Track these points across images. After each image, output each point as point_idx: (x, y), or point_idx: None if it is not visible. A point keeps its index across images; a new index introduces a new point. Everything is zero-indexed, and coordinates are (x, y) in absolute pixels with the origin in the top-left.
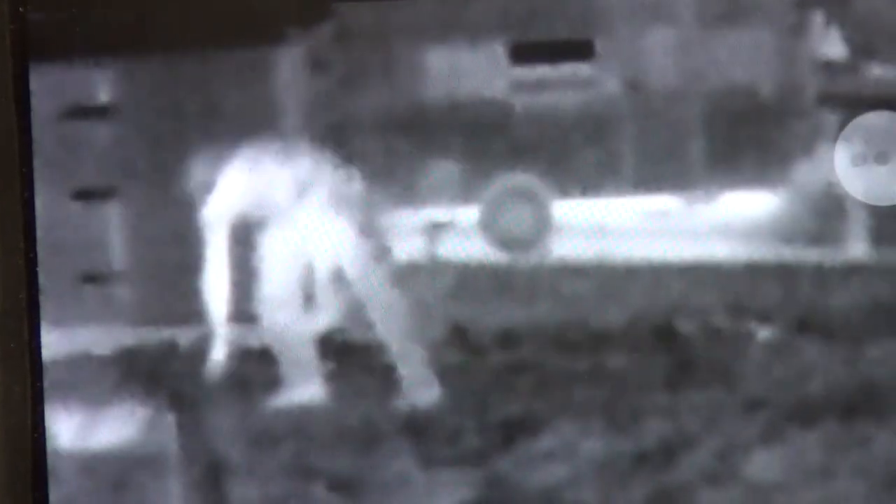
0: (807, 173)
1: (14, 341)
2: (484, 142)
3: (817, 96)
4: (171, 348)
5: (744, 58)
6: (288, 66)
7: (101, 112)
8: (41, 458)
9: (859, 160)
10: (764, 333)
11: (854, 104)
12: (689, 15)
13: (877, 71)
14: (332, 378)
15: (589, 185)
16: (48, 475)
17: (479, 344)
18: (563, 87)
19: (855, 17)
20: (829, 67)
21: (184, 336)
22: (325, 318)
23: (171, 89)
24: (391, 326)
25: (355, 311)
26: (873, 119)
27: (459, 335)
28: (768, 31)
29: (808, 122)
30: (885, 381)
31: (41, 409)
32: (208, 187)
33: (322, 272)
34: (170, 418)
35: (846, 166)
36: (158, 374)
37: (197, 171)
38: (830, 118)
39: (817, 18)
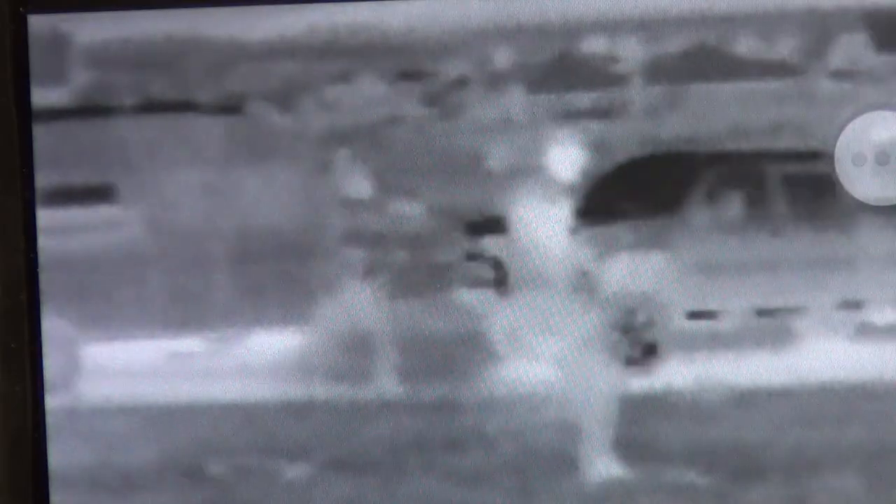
0: (333, 310)
1: (14, 341)
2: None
3: (342, 234)
4: None
5: (268, 197)
6: None
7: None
8: (41, 459)
9: (859, 160)
10: (295, 471)
11: (378, 242)
12: (214, 155)
13: (401, 207)
14: None
15: (118, 327)
16: (48, 475)
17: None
18: (89, 229)
19: (381, 155)
20: (353, 205)
21: None
22: None
23: None
24: None
25: None
26: (873, 119)
27: None
28: (292, 171)
29: (333, 260)
30: None
31: (41, 409)
32: None
33: None
34: None
35: (846, 166)
36: None
37: None
38: (355, 254)
39: (341, 157)
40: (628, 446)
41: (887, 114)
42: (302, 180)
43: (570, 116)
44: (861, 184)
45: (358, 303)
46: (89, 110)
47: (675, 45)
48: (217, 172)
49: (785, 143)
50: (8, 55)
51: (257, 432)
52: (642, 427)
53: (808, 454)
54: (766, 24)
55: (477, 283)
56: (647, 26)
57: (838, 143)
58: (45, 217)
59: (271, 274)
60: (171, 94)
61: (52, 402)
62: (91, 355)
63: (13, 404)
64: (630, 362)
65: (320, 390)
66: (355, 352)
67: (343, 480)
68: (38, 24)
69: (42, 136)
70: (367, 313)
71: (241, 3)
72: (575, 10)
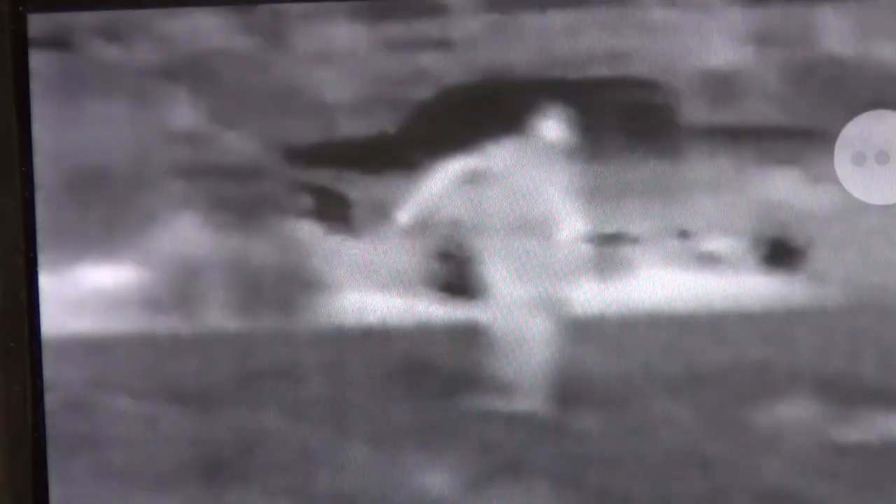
0: (161, 243)
1: (14, 341)
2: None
3: (169, 166)
4: None
5: (96, 130)
6: None
7: None
8: (41, 458)
9: (859, 160)
10: (125, 405)
11: (206, 173)
12: (42, 88)
13: (228, 139)
14: None
15: None
16: (48, 475)
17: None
18: None
19: (207, 87)
20: (180, 137)
21: None
22: None
23: None
24: None
25: None
26: (873, 119)
27: None
28: (119, 103)
29: (160, 192)
30: (236, 446)
31: (41, 409)
32: None
33: None
34: None
35: (846, 166)
36: None
37: None
38: (182, 186)
39: (168, 89)
40: (457, 376)
41: (887, 113)
42: (129, 112)
43: (399, 47)
44: (861, 183)
45: (186, 235)
46: None
47: None
48: (45, 105)
49: (617, 70)
50: (8, 55)
51: (87, 366)
52: (471, 357)
53: (638, 382)
54: None
55: (305, 213)
56: None
57: (838, 142)
58: None
59: (99, 207)
60: None
61: None
62: None
63: (13, 404)
64: (458, 292)
65: (148, 323)
66: (183, 284)
67: (175, 414)
68: None
69: None
70: (196, 245)
71: None
72: None
